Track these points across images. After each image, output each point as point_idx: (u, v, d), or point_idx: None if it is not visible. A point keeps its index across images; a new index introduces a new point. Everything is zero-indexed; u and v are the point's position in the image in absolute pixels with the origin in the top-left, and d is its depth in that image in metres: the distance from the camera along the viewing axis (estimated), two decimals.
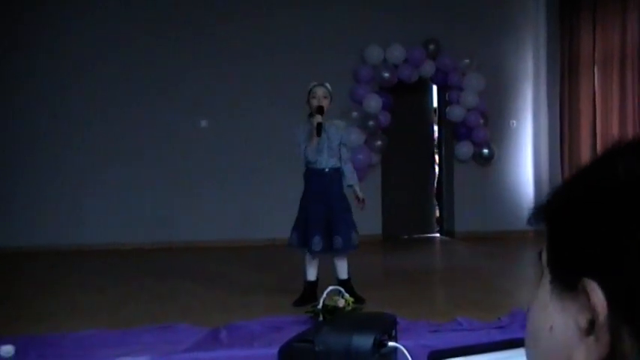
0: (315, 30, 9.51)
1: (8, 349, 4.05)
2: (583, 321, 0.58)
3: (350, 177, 5.73)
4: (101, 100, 9.25)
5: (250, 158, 9.39)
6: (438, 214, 10.66)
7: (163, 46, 9.30)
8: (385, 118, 9.49)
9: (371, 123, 9.32)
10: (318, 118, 5.47)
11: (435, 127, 10.80)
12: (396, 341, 2.16)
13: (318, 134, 5.47)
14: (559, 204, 0.63)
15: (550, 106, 10.09)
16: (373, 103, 9.33)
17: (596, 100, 9.08)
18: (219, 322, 4.76)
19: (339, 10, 9.56)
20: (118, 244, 9.03)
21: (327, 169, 5.62)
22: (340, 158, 5.67)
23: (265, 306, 5.55)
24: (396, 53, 9.44)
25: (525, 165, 10.03)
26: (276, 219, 9.29)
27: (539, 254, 0.66)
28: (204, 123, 9.44)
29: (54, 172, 9.18)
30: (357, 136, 9.27)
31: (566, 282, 0.60)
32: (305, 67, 9.12)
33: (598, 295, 0.56)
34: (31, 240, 8.95)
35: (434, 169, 10.63)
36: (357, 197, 5.79)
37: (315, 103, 5.54)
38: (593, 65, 9.13)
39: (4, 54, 9.15)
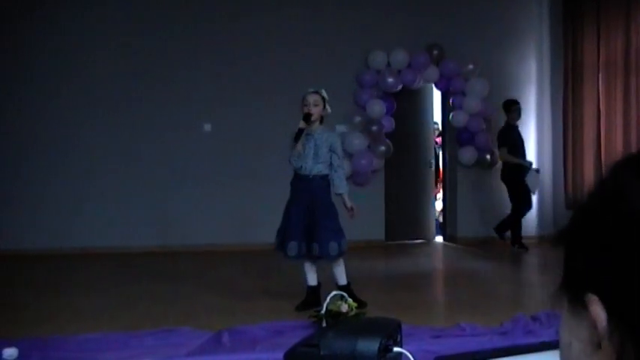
0: (319, 35, 9.51)
1: (12, 352, 4.05)
2: (593, 335, 0.61)
3: (339, 185, 5.73)
4: (103, 103, 9.25)
5: (253, 162, 9.40)
6: (441, 219, 10.66)
7: (166, 49, 9.30)
8: (388, 123, 9.49)
9: (374, 128, 9.32)
10: (301, 124, 5.53)
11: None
12: (401, 346, 2.16)
13: (296, 140, 5.53)
14: (568, 228, 0.68)
15: (553, 111, 10.09)
16: (377, 108, 9.33)
17: (600, 105, 9.09)
18: (222, 326, 4.76)
19: (343, 15, 9.56)
20: (120, 248, 9.03)
21: (311, 176, 5.63)
22: (330, 165, 5.69)
23: (268, 310, 5.55)
24: (400, 58, 9.45)
25: None
26: (279, 223, 9.28)
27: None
28: (207, 127, 9.45)
29: (55, 175, 9.18)
30: (360, 141, 9.28)
31: (577, 299, 0.64)
32: (309, 72, 9.13)
33: (597, 309, 0.61)
34: (32, 243, 8.94)
35: (430, 174, 10.64)
36: (346, 206, 5.78)
37: (304, 110, 5.58)
38: (597, 71, 9.13)
39: (4, 56, 9.15)
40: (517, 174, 8.94)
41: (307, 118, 5.54)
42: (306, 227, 5.58)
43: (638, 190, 0.59)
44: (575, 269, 0.65)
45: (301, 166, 5.62)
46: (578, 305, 0.63)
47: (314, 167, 5.62)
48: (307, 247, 5.58)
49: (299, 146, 5.54)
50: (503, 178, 9.14)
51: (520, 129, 9.28)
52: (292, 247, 5.57)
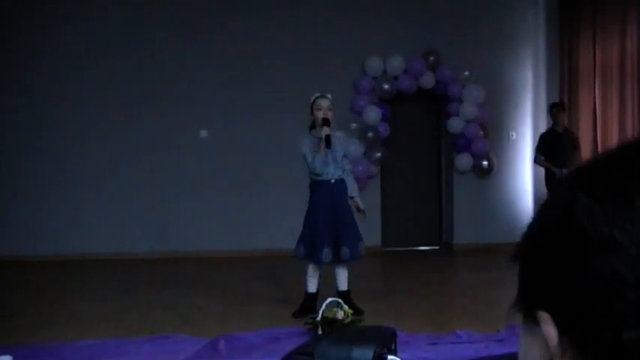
0: (316, 41, 9.53)
1: None
2: (546, 353, 0.61)
3: (352, 188, 5.79)
4: (102, 110, 9.27)
5: (250, 169, 9.41)
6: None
7: (164, 55, 9.32)
8: (384, 130, 9.51)
9: (370, 134, 9.34)
10: (326, 130, 5.50)
11: None
12: (396, 354, 2.17)
13: (328, 146, 5.50)
14: (521, 243, 0.67)
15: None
16: (373, 114, 9.35)
17: (596, 111, 9.11)
18: (218, 333, 4.76)
19: (340, 22, 9.58)
20: (117, 254, 9.03)
21: (333, 181, 5.66)
22: (343, 169, 5.72)
23: (264, 317, 5.56)
24: (396, 64, 9.47)
25: (524, 177, 10.04)
26: (275, 229, 9.30)
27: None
28: (203, 133, 9.45)
29: (55, 182, 9.19)
30: (356, 147, 9.28)
31: (531, 316, 0.63)
32: (305, 78, 9.15)
33: (548, 327, 0.60)
34: (31, 249, 8.94)
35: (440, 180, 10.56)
36: (359, 208, 5.82)
37: (320, 115, 5.56)
38: (594, 77, 9.15)
39: (4, 61, 9.16)
40: (547, 180, 8.77)
41: (327, 123, 5.54)
42: (334, 232, 5.61)
43: (588, 207, 0.59)
44: (527, 286, 0.65)
45: (323, 172, 5.62)
46: (532, 322, 0.63)
47: (335, 172, 5.66)
48: (335, 251, 5.61)
49: (324, 152, 5.53)
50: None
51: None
52: (327, 253, 5.58)
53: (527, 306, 0.64)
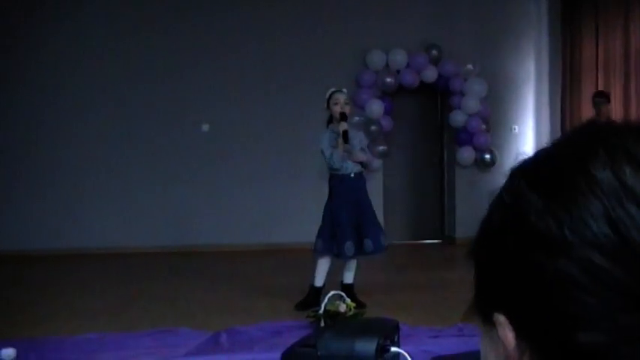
0: (318, 35, 9.50)
1: (9, 353, 4.04)
2: (504, 354, 0.59)
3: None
4: (102, 103, 9.24)
5: (251, 163, 9.39)
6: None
7: (165, 49, 9.29)
8: (387, 123, 9.49)
9: (373, 128, 9.32)
10: (344, 126, 5.51)
11: None
12: (399, 347, 2.15)
13: (346, 141, 5.50)
14: (474, 243, 0.66)
15: (552, 111, 10.08)
16: (375, 107, 9.33)
17: None
18: (220, 326, 4.76)
19: (342, 16, 9.56)
20: (118, 248, 9.02)
21: (352, 174, 5.69)
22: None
23: (266, 310, 5.55)
24: (398, 58, 9.44)
25: None
26: (277, 223, 9.30)
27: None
28: (205, 127, 9.43)
29: (53, 176, 9.17)
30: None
31: (487, 318, 0.61)
32: (308, 72, 9.13)
33: (504, 330, 0.58)
34: (31, 243, 8.93)
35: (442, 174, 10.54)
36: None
37: (337, 109, 5.56)
38: (596, 70, 9.12)
39: (4, 60, 9.14)
40: None
41: (344, 117, 5.54)
42: (356, 226, 5.63)
43: (537, 205, 0.56)
44: (482, 288, 0.62)
45: (342, 166, 5.62)
46: (489, 325, 0.60)
47: (355, 166, 5.68)
48: (358, 245, 5.63)
49: (342, 147, 5.53)
50: None
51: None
52: (349, 246, 5.59)
53: (484, 308, 0.62)
